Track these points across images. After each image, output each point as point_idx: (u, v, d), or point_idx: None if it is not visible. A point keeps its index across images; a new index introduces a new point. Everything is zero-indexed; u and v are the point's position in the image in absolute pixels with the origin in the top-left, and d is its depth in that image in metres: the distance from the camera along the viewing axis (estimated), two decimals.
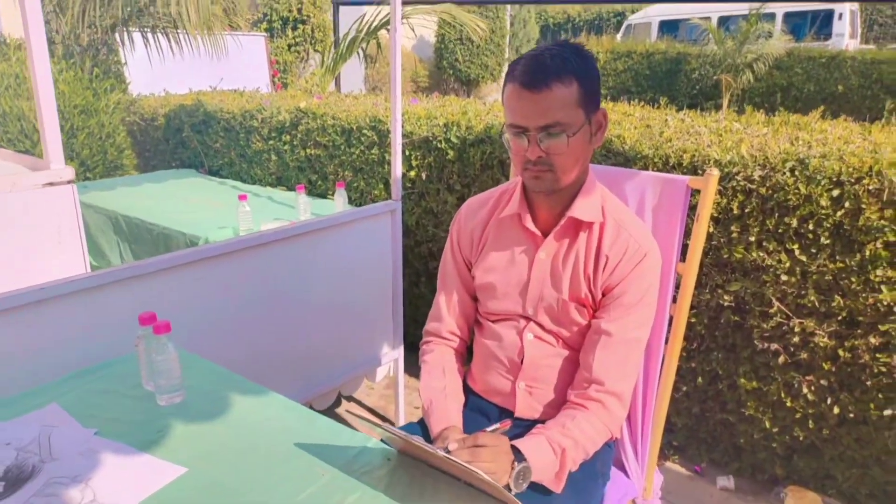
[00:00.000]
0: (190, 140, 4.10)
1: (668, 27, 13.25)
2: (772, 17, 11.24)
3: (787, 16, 11.90)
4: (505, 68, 12.78)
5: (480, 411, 1.43)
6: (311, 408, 1.67)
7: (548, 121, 1.14)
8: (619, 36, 13.81)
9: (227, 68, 5.76)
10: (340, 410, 2.60)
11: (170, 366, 1.29)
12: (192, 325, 1.78)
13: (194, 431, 1.22)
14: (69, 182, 2.09)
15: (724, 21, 11.49)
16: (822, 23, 11.99)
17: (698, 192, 1.44)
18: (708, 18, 10.97)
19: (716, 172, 1.40)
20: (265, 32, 8.75)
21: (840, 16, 11.89)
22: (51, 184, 2.05)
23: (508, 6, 12.99)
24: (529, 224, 1.31)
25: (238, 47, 5.95)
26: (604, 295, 1.28)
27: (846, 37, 11.90)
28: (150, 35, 5.30)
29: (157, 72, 5.27)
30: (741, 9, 11.03)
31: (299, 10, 9.17)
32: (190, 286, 1.84)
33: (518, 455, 1.11)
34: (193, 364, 1.45)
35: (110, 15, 5.01)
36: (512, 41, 13.83)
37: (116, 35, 5.28)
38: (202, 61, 5.09)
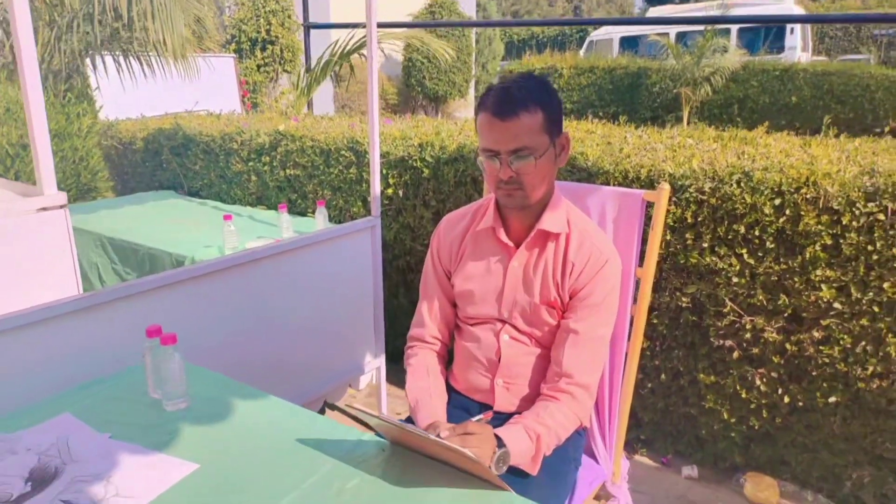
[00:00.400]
0: (169, 162, 4.18)
1: (629, 43, 13.66)
2: (727, 32, 11.68)
3: (742, 31, 12.36)
4: (472, 85, 13.07)
5: (463, 408, 1.56)
6: None
7: (517, 145, 1.30)
8: (581, 52, 14.18)
9: (198, 89, 5.85)
10: (334, 413, 2.71)
11: (176, 374, 1.40)
12: (186, 338, 1.87)
13: (202, 433, 1.33)
14: (62, 207, 2.17)
15: (681, 37, 11.89)
16: (775, 37, 12.48)
17: (653, 203, 1.61)
18: (666, 34, 11.36)
19: (667, 187, 1.57)
20: (234, 53, 8.84)
21: (792, 30, 12.38)
22: (44, 209, 2.13)
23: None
24: (503, 236, 1.46)
25: (210, 69, 6.06)
26: (571, 298, 1.43)
27: (798, 50, 12.39)
28: (121, 59, 5.37)
29: (130, 95, 5.34)
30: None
31: (268, 32, 9.28)
32: (186, 301, 1.95)
33: (498, 441, 1.25)
34: (194, 373, 1.55)
35: (79, 39, 5.07)
36: (478, 58, 14.11)
37: (88, 59, 5.35)
38: (174, 83, 5.18)
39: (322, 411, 2.51)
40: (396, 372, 2.91)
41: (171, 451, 1.26)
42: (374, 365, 2.66)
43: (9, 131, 4.29)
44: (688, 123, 9.92)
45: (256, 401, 1.45)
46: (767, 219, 2.01)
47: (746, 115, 10.51)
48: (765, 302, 2.09)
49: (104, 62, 5.33)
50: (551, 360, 1.44)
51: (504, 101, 1.30)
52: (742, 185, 2.03)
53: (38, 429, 1.33)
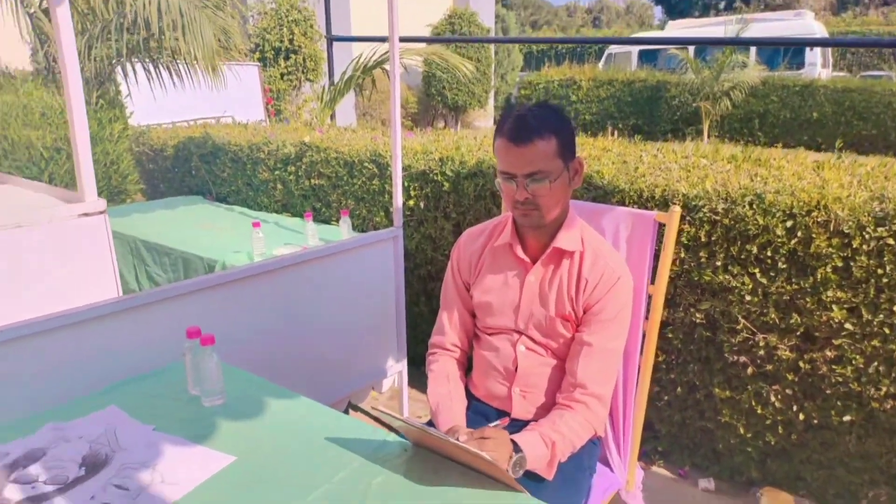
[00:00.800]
0: (198, 169, 4.32)
1: (647, 56, 13.71)
2: (746, 47, 11.70)
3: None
4: (491, 95, 13.19)
5: (482, 414, 1.63)
6: None
7: (532, 169, 1.38)
8: (600, 64, 14.26)
9: (224, 97, 6.01)
10: (357, 414, 2.80)
11: (213, 372, 1.50)
12: (219, 339, 1.97)
13: (237, 428, 1.42)
14: (102, 213, 2.29)
15: (700, 51, 11.92)
16: (795, 52, 12.45)
17: (665, 224, 1.68)
18: (685, 48, 11.40)
19: (678, 209, 1.65)
20: (258, 62, 9.03)
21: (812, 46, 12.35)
22: (86, 214, 2.25)
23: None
24: (520, 252, 1.54)
25: (235, 77, 6.22)
26: (585, 312, 1.50)
27: (818, 66, 12.34)
28: (151, 67, 5.54)
29: (160, 102, 5.50)
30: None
31: (291, 41, 9.46)
32: (219, 304, 2.05)
33: (515, 447, 1.32)
34: (227, 372, 1.64)
35: (108, 48, 5.23)
36: (497, 69, 14.25)
37: (119, 68, 5.52)
38: (201, 91, 5.33)
39: (346, 412, 2.60)
40: (418, 376, 2.99)
41: (210, 443, 1.35)
42: (397, 369, 2.75)
43: (43, 135, 4.46)
44: (708, 137, 9.94)
45: (287, 400, 1.55)
46: (779, 240, 2.06)
47: (767, 129, 10.52)
48: (777, 320, 2.14)
49: (134, 70, 5.50)
50: (566, 371, 1.52)
51: (520, 128, 1.39)
52: (754, 206, 2.09)
53: (88, 419, 1.44)
